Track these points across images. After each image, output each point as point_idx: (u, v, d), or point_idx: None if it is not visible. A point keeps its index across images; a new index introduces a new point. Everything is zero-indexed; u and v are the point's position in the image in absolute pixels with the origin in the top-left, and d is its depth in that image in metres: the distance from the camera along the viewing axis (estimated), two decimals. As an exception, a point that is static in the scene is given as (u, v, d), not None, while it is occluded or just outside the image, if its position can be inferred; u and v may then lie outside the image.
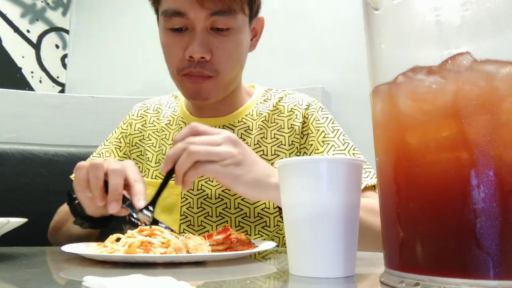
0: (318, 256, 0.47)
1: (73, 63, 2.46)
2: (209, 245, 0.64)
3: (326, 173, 0.47)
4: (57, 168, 1.23)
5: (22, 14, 2.27)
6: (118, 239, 0.63)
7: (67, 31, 2.46)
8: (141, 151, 1.04)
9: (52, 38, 2.40)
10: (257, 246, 0.66)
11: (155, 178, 0.97)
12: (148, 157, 1.01)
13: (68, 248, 0.61)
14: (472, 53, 0.38)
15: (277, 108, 0.99)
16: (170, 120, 1.04)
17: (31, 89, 2.26)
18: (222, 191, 0.92)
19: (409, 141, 0.41)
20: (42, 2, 2.36)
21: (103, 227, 0.85)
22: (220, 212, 0.91)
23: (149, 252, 0.58)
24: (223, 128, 0.96)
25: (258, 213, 0.90)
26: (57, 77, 2.40)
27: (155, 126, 1.05)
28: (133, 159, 1.03)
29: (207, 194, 0.92)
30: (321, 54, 1.92)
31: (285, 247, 0.91)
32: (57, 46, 2.42)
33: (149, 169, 0.99)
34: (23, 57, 2.25)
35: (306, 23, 1.97)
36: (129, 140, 1.06)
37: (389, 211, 0.44)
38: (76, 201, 0.79)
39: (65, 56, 2.45)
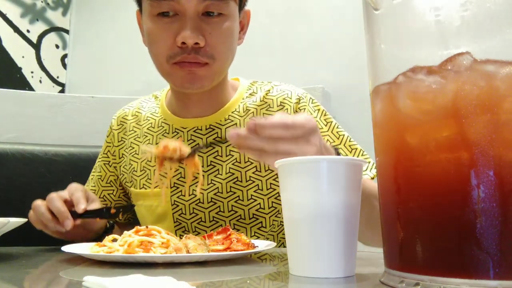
0: (318, 256, 0.47)
1: (73, 63, 2.46)
2: (209, 245, 0.64)
3: (326, 173, 0.47)
4: (57, 168, 1.23)
5: (22, 14, 2.27)
6: (114, 240, 0.63)
7: (67, 31, 2.46)
8: (125, 161, 0.99)
9: (52, 38, 2.40)
10: (257, 246, 0.66)
11: (143, 188, 0.93)
12: (134, 167, 0.96)
13: (68, 248, 0.61)
14: (472, 53, 0.38)
15: (265, 102, 0.94)
16: (151, 123, 0.98)
17: (31, 89, 2.26)
18: (214, 194, 0.88)
19: (409, 141, 0.41)
20: (42, 2, 2.36)
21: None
22: (213, 216, 0.89)
23: (149, 252, 0.58)
24: (209, 128, 0.92)
25: (253, 214, 0.88)
26: (57, 77, 2.40)
27: (135, 132, 1.00)
28: (122, 171, 1.00)
29: (199, 199, 0.89)
30: (321, 54, 1.92)
31: (281, 246, 0.91)
32: (57, 46, 2.42)
33: (136, 180, 0.95)
34: (23, 57, 2.25)
35: (306, 23, 1.97)
36: (115, 152, 1.02)
37: (389, 211, 0.44)
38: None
39: (65, 56, 2.45)
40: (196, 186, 0.89)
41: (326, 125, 0.92)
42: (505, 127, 0.37)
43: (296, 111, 0.92)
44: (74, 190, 0.80)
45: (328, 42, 1.91)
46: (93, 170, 1.06)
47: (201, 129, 0.92)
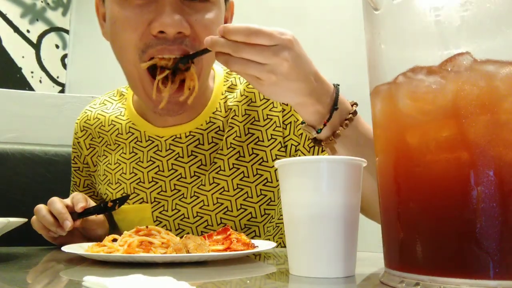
0: (318, 256, 0.47)
1: (73, 63, 2.46)
2: (209, 245, 0.64)
3: (326, 173, 0.47)
4: (57, 168, 1.23)
5: (22, 14, 2.27)
6: (114, 240, 0.63)
7: (67, 31, 2.46)
8: (99, 170, 0.90)
9: (52, 38, 2.40)
10: (257, 246, 0.66)
11: None
12: (109, 179, 0.88)
13: (68, 248, 0.61)
14: (472, 53, 0.38)
15: (247, 97, 0.82)
16: (117, 128, 0.87)
17: (31, 89, 2.26)
18: (200, 208, 0.80)
19: (409, 141, 0.41)
20: (42, 2, 2.36)
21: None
22: (201, 231, 0.81)
23: (149, 252, 0.58)
24: (190, 135, 0.82)
25: (245, 224, 0.82)
26: (57, 77, 2.40)
27: (103, 138, 0.90)
28: (97, 180, 0.92)
29: (183, 214, 0.81)
30: (321, 54, 1.92)
31: (281, 246, 0.90)
32: (57, 46, 2.42)
33: (111, 193, 0.86)
34: (23, 57, 2.25)
35: (306, 23, 1.97)
36: (86, 161, 0.93)
37: (389, 211, 0.44)
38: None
39: (65, 56, 2.45)
40: (179, 199, 0.82)
41: None
42: (505, 127, 0.37)
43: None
44: (75, 194, 0.78)
45: (328, 42, 1.91)
46: (71, 176, 1.01)
47: (180, 137, 0.82)
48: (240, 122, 0.82)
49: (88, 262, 0.59)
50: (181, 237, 0.81)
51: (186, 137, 0.82)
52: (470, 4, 0.38)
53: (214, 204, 0.81)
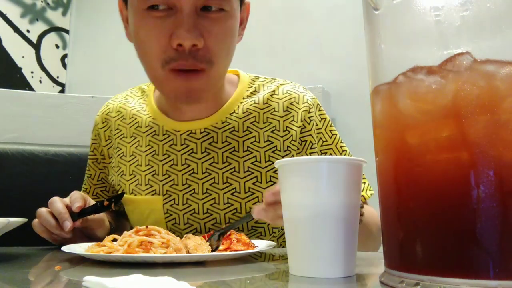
0: (318, 256, 0.47)
1: (73, 63, 2.46)
2: (209, 245, 0.64)
3: (326, 173, 0.47)
4: (57, 168, 1.23)
5: (22, 14, 2.27)
6: (114, 240, 0.63)
7: (67, 31, 2.46)
8: (113, 162, 0.93)
9: (52, 38, 2.40)
10: (257, 246, 0.66)
11: (132, 193, 0.87)
12: (122, 171, 0.89)
13: (68, 248, 0.61)
14: (472, 53, 0.38)
15: (269, 105, 0.86)
16: (138, 122, 0.90)
17: (31, 89, 2.26)
18: (211, 205, 0.82)
19: (409, 141, 0.41)
20: (42, 2, 2.36)
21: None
22: (209, 227, 0.83)
23: (149, 252, 0.58)
24: (204, 132, 0.85)
25: (252, 226, 0.84)
26: (57, 77, 2.40)
27: (121, 131, 0.92)
28: (111, 172, 0.94)
29: (194, 209, 0.83)
30: (321, 54, 1.92)
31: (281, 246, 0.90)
32: (57, 46, 2.42)
33: (125, 184, 0.88)
34: (23, 57, 2.25)
35: (306, 23, 1.97)
36: (103, 152, 0.96)
37: (389, 211, 0.44)
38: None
39: (65, 56, 2.45)
40: (190, 194, 0.83)
41: (330, 138, 0.88)
42: (505, 127, 0.37)
43: (305, 120, 0.86)
44: (73, 193, 0.79)
45: (328, 42, 1.91)
46: (86, 169, 1.03)
47: (195, 133, 0.85)
48: (261, 129, 0.85)
49: (88, 262, 0.59)
50: (188, 233, 0.81)
51: (201, 133, 0.85)
52: (470, 4, 0.38)
53: (224, 204, 0.82)
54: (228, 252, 0.61)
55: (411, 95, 0.41)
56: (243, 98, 0.88)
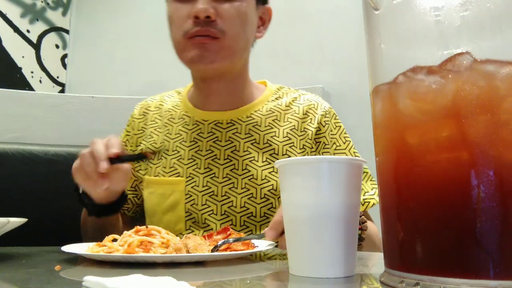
0: (318, 256, 0.47)
1: (73, 63, 2.46)
2: (209, 245, 0.64)
3: (326, 173, 0.47)
4: (57, 168, 1.22)
5: (22, 14, 2.27)
6: (114, 240, 0.63)
7: (67, 31, 2.46)
8: (141, 148, 1.03)
9: (52, 38, 2.40)
10: (257, 246, 0.66)
11: (157, 175, 0.96)
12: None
13: (68, 248, 0.61)
14: (472, 53, 0.38)
15: (291, 108, 0.98)
16: (172, 115, 1.03)
17: (31, 89, 2.26)
18: (229, 189, 0.91)
19: (409, 141, 0.41)
20: (42, 2, 2.36)
21: (114, 212, 0.88)
22: (225, 210, 0.90)
23: (149, 252, 0.58)
24: (230, 123, 0.96)
25: (265, 213, 0.90)
26: (57, 77, 2.40)
27: (156, 123, 1.04)
28: None
29: (213, 191, 0.91)
30: (321, 54, 1.92)
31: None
32: (57, 46, 2.42)
33: (151, 167, 0.98)
34: (23, 57, 2.25)
35: (306, 23, 1.97)
36: (132, 140, 1.06)
37: (389, 211, 0.44)
38: (81, 191, 0.86)
39: (65, 56, 2.45)
40: (210, 178, 0.92)
41: (344, 143, 0.97)
42: (505, 127, 0.37)
43: (321, 123, 0.96)
44: (111, 137, 0.82)
45: (328, 42, 1.91)
46: None
47: (221, 123, 0.96)
48: (281, 126, 0.96)
49: (88, 262, 0.59)
50: (191, 226, 0.83)
51: (227, 123, 0.97)
52: (470, 4, 0.38)
53: (242, 188, 0.91)
54: (228, 252, 0.61)
55: (411, 95, 0.41)
56: (268, 101, 1.00)
